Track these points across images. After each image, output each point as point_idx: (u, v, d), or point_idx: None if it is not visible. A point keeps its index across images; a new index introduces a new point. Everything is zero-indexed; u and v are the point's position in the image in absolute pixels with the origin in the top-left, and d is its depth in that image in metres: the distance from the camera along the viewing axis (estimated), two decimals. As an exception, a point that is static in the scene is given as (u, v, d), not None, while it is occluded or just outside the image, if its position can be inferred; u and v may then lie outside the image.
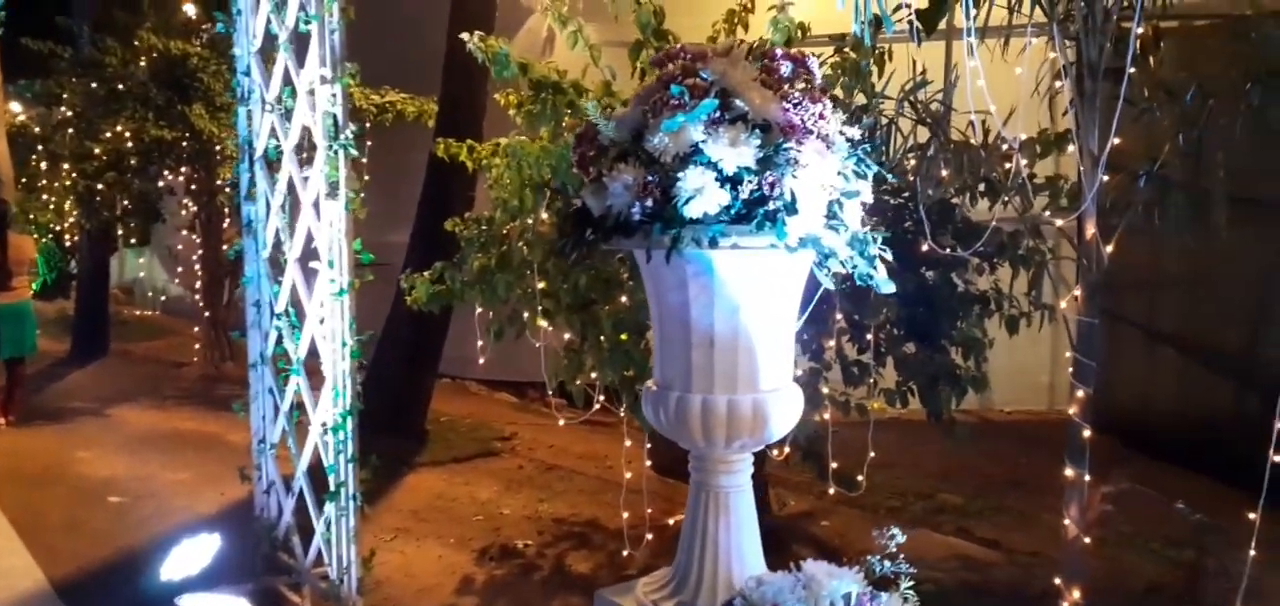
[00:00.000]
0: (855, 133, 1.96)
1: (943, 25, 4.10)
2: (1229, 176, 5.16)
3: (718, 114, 1.80)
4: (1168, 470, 5.89)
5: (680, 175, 1.77)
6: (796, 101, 1.84)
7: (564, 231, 2.06)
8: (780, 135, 1.80)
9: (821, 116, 1.84)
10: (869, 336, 4.10)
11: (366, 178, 3.82)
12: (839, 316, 4.09)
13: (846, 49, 3.89)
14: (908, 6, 3.61)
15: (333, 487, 3.54)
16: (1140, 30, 2.91)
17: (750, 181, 1.76)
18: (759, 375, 1.96)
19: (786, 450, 4.17)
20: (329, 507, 3.57)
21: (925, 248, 3.63)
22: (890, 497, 5.57)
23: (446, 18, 6.77)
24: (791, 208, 1.76)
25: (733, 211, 1.78)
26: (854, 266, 1.90)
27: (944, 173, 3.42)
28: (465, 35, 4.06)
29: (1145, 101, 3.28)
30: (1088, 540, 3.45)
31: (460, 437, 7.03)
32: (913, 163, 3.43)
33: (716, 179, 1.76)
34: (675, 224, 1.76)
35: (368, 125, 7.58)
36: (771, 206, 1.76)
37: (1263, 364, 5.82)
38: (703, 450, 2.04)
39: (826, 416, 4.14)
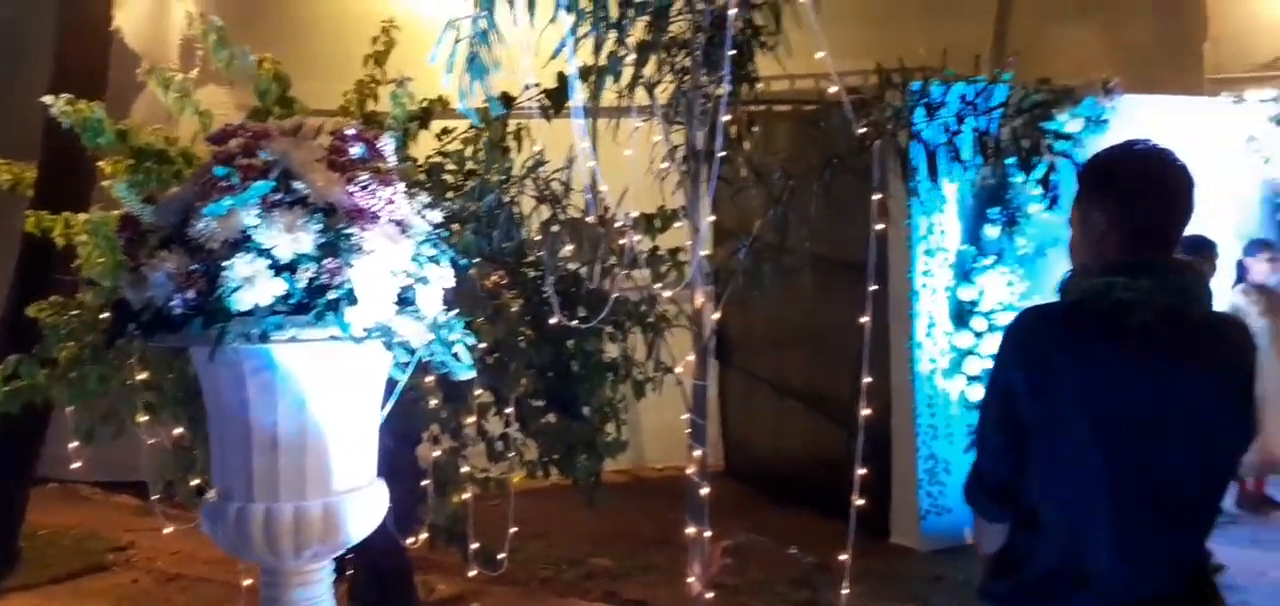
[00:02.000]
0: (437, 215, 1.91)
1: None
2: (828, 244, 5.79)
3: (276, 196, 1.67)
4: (798, 515, 6.38)
5: (228, 263, 1.62)
6: (365, 184, 1.75)
7: (107, 326, 1.81)
8: (345, 220, 1.71)
9: (391, 201, 1.77)
10: (510, 409, 4.09)
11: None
12: (479, 392, 4.05)
13: (481, 125, 3.92)
14: (536, 86, 3.70)
15: None
16: (727, 118, 3.15)
17: (308, 269, 1.64)
18: (331, 476, 1.83)
19: (423, 536, 4.03)
20: None
21: (554, 320, 3.68)
22: (544, 567, 5.57)
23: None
24: (352, 297, 1.66)
25: (293, 301, 1.65)
26: (432, 354, 1.83)
27: (568, 248, 3.49)
28: (49, 98, 3.61)
29: (741, 181, 3.55)
30: (710, 595, 3.62)
31: (63, 553, 6.09)
32: (540, 238, 3.48)
33: (271, 267, 1.63)
34: (220, 317, 1.60)
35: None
36: (332, 296, 1.65)
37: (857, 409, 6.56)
38: (271, 564, 1.87)
39: (467, 496, 4.05)
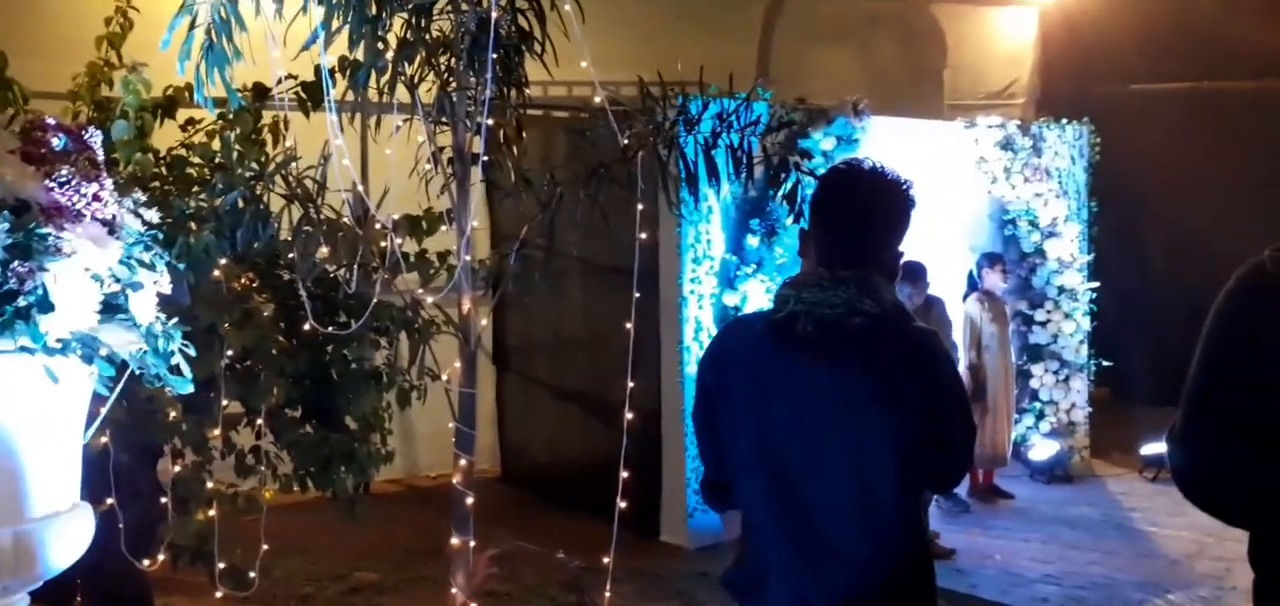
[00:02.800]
0: (153, 215, 1.76)
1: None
2: (603, 251, 5.86)
3: (-48, 190, 1.48)
4: (575, 518, 6.39)
5: (-111, 266, 1.42)
6: (65, 180, 1.59)
7: None
8: (40, 218, 1.54)
9: (98, 198, 1.61)
10: (260, 421, 3.85)
11: None
12: (226, 403, 3.79)
13: (223, 118, 3.68)
14: (288, 77, 3.50)
15: None
16: (490, 122, 3.11)
17: (-8, 273, 1.47)
18: (25, 501, 1.64)
19: (162, 557, 3.73)
20: None
21: (308, 326, 3.51)
22: (305, 584, 5.31)
23: None
24: (46, 304, 1.49)
25: (-24, 308, 1.47)
26: (143, 367, 1.68)
27: (324, 250, 3.33)
28: None
29: (511, 186, 3.52)
30: (475, 604, 3.57)
31: None
32: (291, 240, 3.29)
33: (-55, 270, 1.44)
34: (-119, 327, 1.40)
35: None
36: (22, 303, 1.48)
37: (635, 409, 6.70)
38: (-49, 602, 1.66)
39: (212, 512, 3.78)
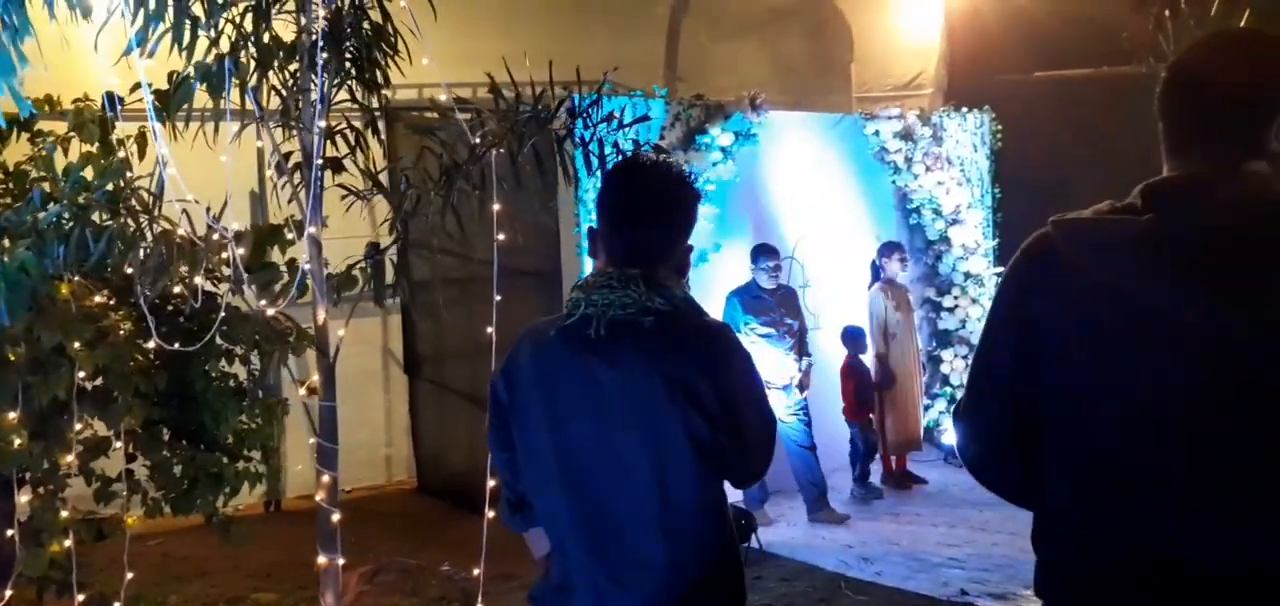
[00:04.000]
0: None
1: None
2: (513, 254, 5.78)
3: None
4: (495, 527, 6.31)
5: None
6: None
7: None
8: None
9: None
10: (118, 444, 3.72)
11: None
12: (79, 426, 3.65)
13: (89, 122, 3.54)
14: (148, 86, 3.38)
15: None
16: (324, 124, 3.02)
17: None
18: None
19: (9, 592, 3.57)
20: None
21: (152, 344, 3.39)
22: (197, 612, 5.15)
23: None
24: None
25: None
26: None
27: (168, 264, 3.22)
28: None
29: (365, 190, 3.43)
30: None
31: None
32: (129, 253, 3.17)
33: None
34: None
35: None
36: None
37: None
38: None
39: (69, 543, 3.64)
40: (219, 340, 3.72)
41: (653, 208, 1.98)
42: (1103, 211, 1.56)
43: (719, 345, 1.98)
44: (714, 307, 6.26)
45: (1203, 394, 1.43)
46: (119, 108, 3.61)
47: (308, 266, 3.10)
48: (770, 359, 6.10)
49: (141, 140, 3.62)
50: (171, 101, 3.21)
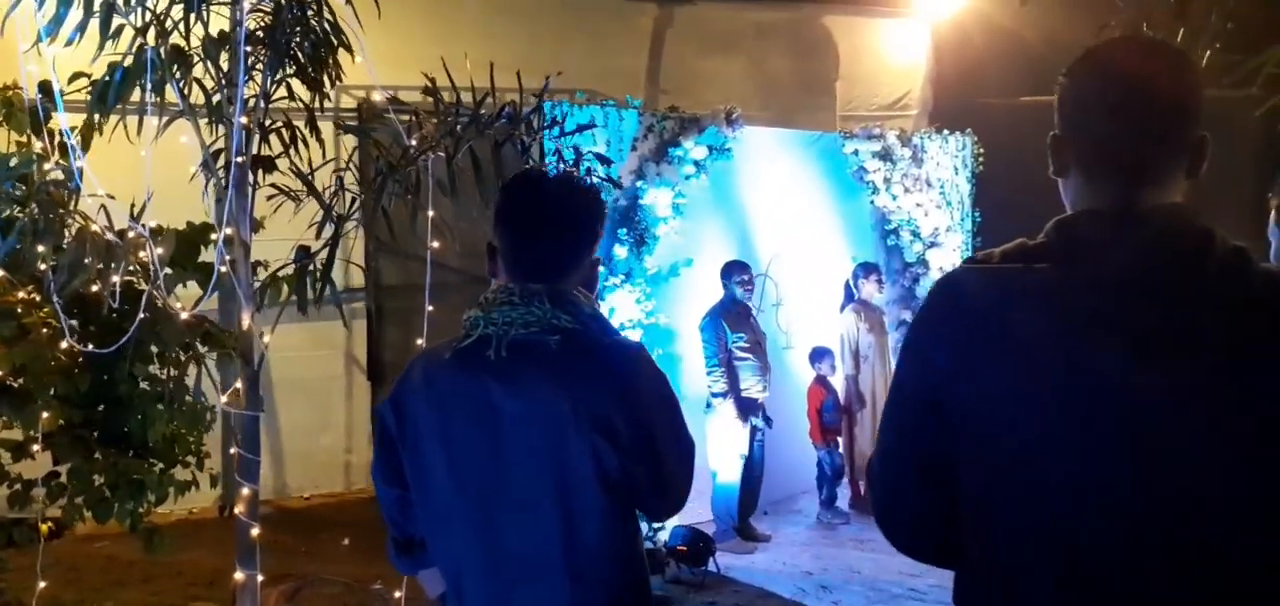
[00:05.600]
0: None
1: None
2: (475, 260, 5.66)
3: None
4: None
5: None
6: None
7: None
8: None
9: None
10: (37, 448, 3.57)
11: None
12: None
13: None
14: (85, 76, 3.25)
15: None
16: (244, 121, 2.89)
17: None
18: None
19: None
20: None
21: (65, 345, 3.25)
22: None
23: None
24: None
25: None
26: None
27: (86, 261, 3.08)
28: None
29: (297, 192, 3.31)
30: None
31: None
32: (42, 251, 3.04)
33: None
34: None
35: None
36: None
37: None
38: None
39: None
40: (155, 346, 3.59)
41: (556, 219, 1.85)
42: (1013, 252, 1.42)
43: (632, 366, 1.83)
44: (687, 324, 6.14)
45: (1132, 459, 1.29)
46: (41, 98, 3.49)
47: (222, 267, 2.96)
48: (748, 379, 5.98)
49: (87, 132, 3.51)
50: (110, 93, 3.08)
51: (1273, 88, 3.48)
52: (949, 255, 7.43)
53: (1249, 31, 3.69)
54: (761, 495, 6.40)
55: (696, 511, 6.10)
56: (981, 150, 7.79)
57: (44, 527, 3.58)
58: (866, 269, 6.86)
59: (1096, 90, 1.42)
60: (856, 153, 7.15)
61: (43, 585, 3.57)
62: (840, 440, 6.72)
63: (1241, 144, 6.87)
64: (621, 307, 5.94)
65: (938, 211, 7.38)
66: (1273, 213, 2.05)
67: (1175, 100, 1.37)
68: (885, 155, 7.15)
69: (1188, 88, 1.38)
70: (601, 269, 5.77)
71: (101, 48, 2.77)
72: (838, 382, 6.74)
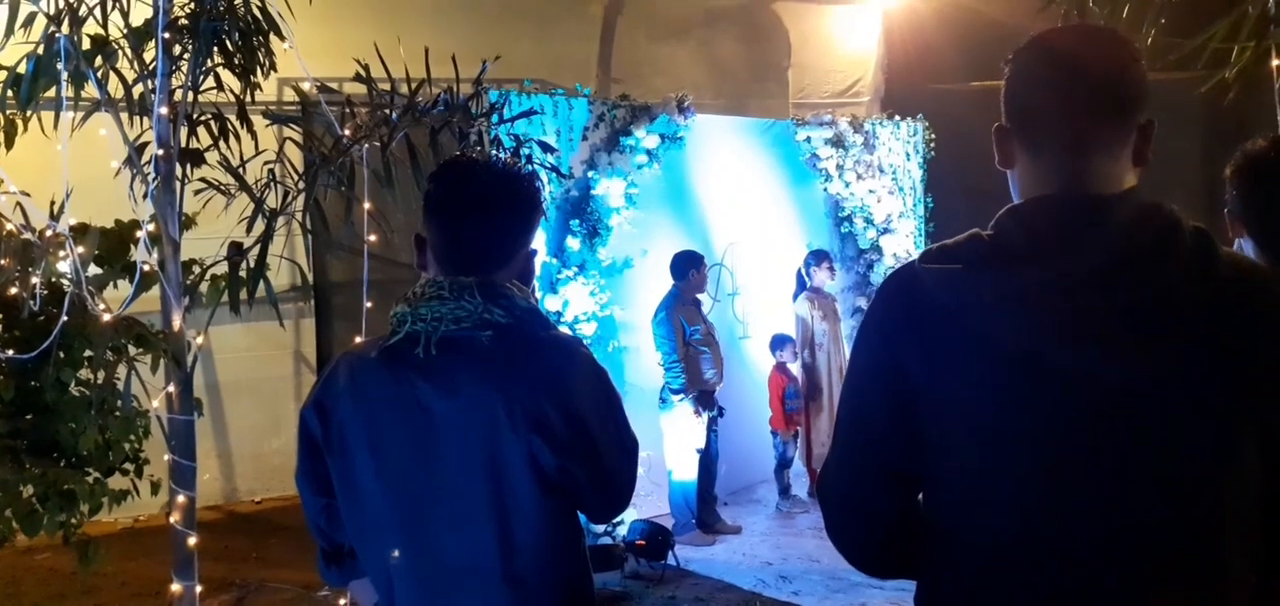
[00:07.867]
0: None
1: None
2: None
3: None
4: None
5: None
6: None
7: None
8: None
9: None
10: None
11: None
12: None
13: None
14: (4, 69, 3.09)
15: None
16: (165, 111, 2.77)
17: None
18: None
19: None
20: None
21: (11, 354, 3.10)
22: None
23: None
24: None
25: None
26: None
27: (2, 262, 2.93)
28: None
29: (227, 186, 3.18)
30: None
31: None
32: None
33: None
34: None
35: None
36: None
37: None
38: None
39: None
40: (89, 351, 3.44)
41: (488, 207, 1.75)
42: (967, 245, 1.35)
43: (569, 361, 1.75)
44: (640, 316, 6.07)
45: (1104, 460, 1.25)
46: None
47: (145, 265, 2.83)
48: (706, 372, 5.93)
49: (10, 128, 3.35)
50: (23, 86, 2.94)
51: (1216, 65, 3.48)
52: (902, 241, 7.44)
53: (1197, 11, 3.69)
54: (720, 485, 6.36)
55: (655, 505, 6.05)
56: (933, 135, 7.80)
57: (-32, 543, 3.41)
58: (818, 257, 6.82)
59: (1040, 73, 1.37)
60: (809, 140, 7.12)
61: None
62: (798, 428, 6.69)
63: (1188, 125, 6.95)
64: (575, 301, 5.85)
65: (890, 198, 7.38)
66: (1232, 225, 2.01)
67: (1116, 78, 1.33)
68: (837, 142, 7.13)
69: (1127, 66, 1.34)
70: (553, 261, 5.80)
71: (8, 35, 2.62)
72: (796, 370, 6.71)
